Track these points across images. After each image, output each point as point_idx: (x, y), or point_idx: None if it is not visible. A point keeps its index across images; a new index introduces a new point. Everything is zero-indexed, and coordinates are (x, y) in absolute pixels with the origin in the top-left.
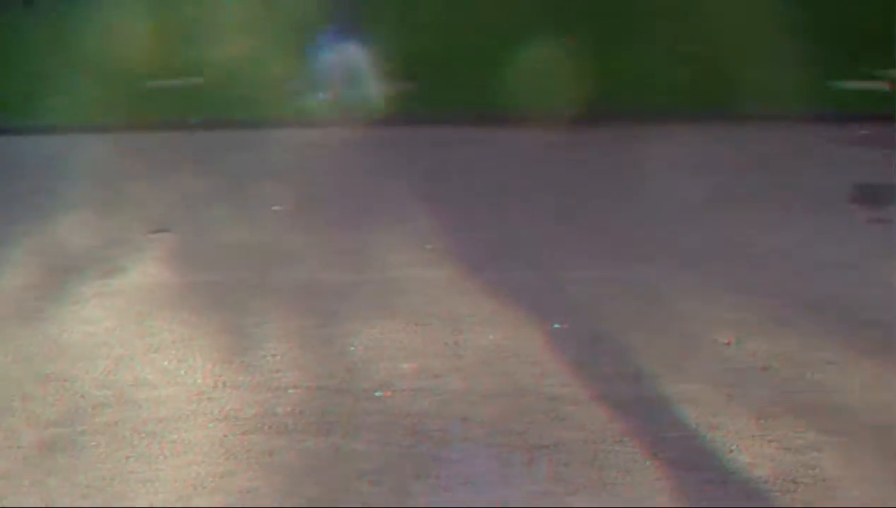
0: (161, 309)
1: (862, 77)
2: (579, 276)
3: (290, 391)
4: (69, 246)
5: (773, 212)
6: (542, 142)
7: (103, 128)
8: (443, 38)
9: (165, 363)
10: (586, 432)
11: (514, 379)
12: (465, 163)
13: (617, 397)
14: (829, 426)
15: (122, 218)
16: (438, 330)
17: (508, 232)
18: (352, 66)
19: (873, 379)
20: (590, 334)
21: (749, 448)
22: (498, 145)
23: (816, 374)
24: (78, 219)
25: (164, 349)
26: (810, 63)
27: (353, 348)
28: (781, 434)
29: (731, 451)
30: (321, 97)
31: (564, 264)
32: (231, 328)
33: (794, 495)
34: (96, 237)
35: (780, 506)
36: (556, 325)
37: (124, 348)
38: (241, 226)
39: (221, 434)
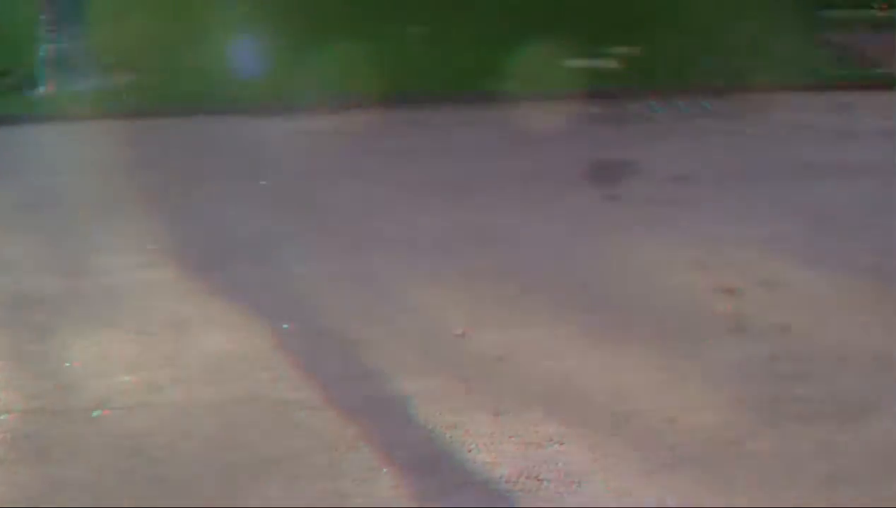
0: None
1: (594, 55)
2: (309, 271)
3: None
4: None
5: (512, 194)
6: (283, 131)
7: None
8: (173, 23)
9: None
10: (319, 440)
11: (243, 385)
12: (188, 154)
13: (351, 399)
14: (570, 416)
15: None
16: (161, 338)
17: (233, 226)
18: (72, 57)
19: (612, 362)
20: (320, 332)
21: (490, 447)
22: (233, 135)
23: (554, 362)
24: None
25: None
26: (544, 42)
27: (68, 364)
28: (522, 429)
29: (472, 450)
30: (41, 91)
31: (293, 259)
32: None
33: (538, 493)
34: None
35: (524, 506)
36: (285, 325)
37: None
38: None
39: None
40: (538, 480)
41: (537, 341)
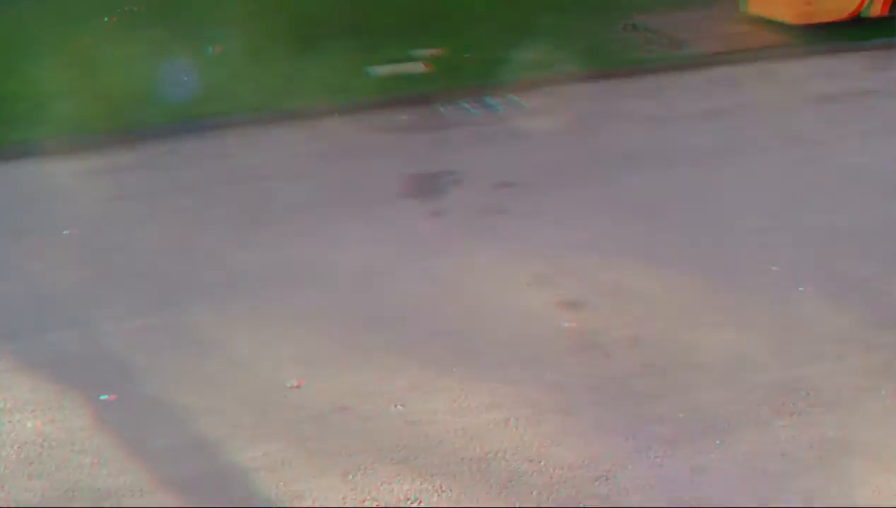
0: None
1: (399, 59)
2: (122, 329)
3: None
4: None
5: (326, 218)
6: (72, 173)
7: None
8: None
9: None
10: None
11: (62, 476)
12: None
13: (183, 477)
14: (426, 467)
15: None
16: None
17: (32, 284)
18: None
19: (462, 400)
20: (142, 400)
21: None
22: (20, 181)
23: (400, 407)
24: None
25: None
26: (345, 50)
27: None
28: (375, 490)
29: None
30: None
31: (105, 316)
32: None
33: None
34: None
35: None
36: (104, 396)
37: None
38: None
39: None
40: None
41: (377, 385)
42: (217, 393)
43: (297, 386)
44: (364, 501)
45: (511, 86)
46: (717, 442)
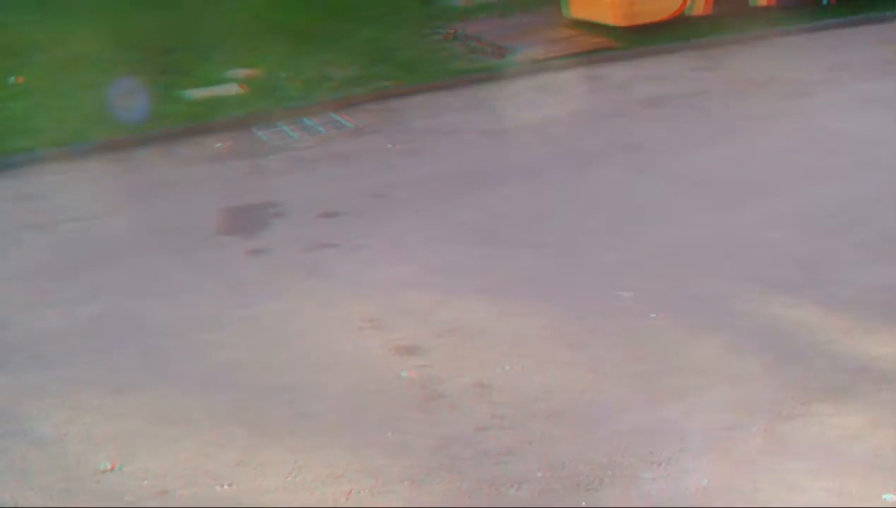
0: None
1: (214, 81)
2: None
3: None
4: None
5: (141, 265)
6: None
7: None
8: None
9: None
10: None
11: None
12: None
13: None
14: None
15: None
16: None
17: None
18: None
19: (294, 476)
20: None
21: None
22: None
23: (226, 485)
24: None
25: None
26: (158, 73)
27: None
28: None
29: None
30: None
31: None
32: None
33: None
34: None
35: None
36: None
37: None
38: None
39: None
40: None
41: (202, 462)
42: (18, 482)
43: (111, 469)
44: None
45: (332, 104)
46: (583, 503)
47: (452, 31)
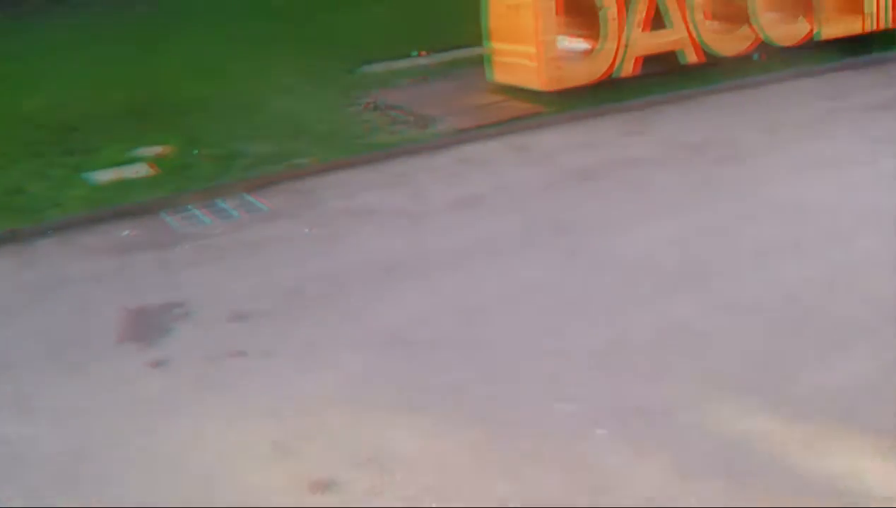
0: None
1: (120, 162)
2: None
3: None
4: None
5: (31, 383)
6: None
7: None
8: None
9: None
10: None
11: None
12: None
13: None
14: None
15: None
16: None
17: None
18: None
19: None
20: None
21: None
22: None
23: None
24: None
25: None
26: (59, 154)
27: None
28: None
29: None
30: None
31: None
32: None
33: None
34: None
35: None
36: None
37: None
38: None
39: None
40: None
41: None
42: None
43: None
44: None
45: (247, 184)
46: None
47: (372, 100)
